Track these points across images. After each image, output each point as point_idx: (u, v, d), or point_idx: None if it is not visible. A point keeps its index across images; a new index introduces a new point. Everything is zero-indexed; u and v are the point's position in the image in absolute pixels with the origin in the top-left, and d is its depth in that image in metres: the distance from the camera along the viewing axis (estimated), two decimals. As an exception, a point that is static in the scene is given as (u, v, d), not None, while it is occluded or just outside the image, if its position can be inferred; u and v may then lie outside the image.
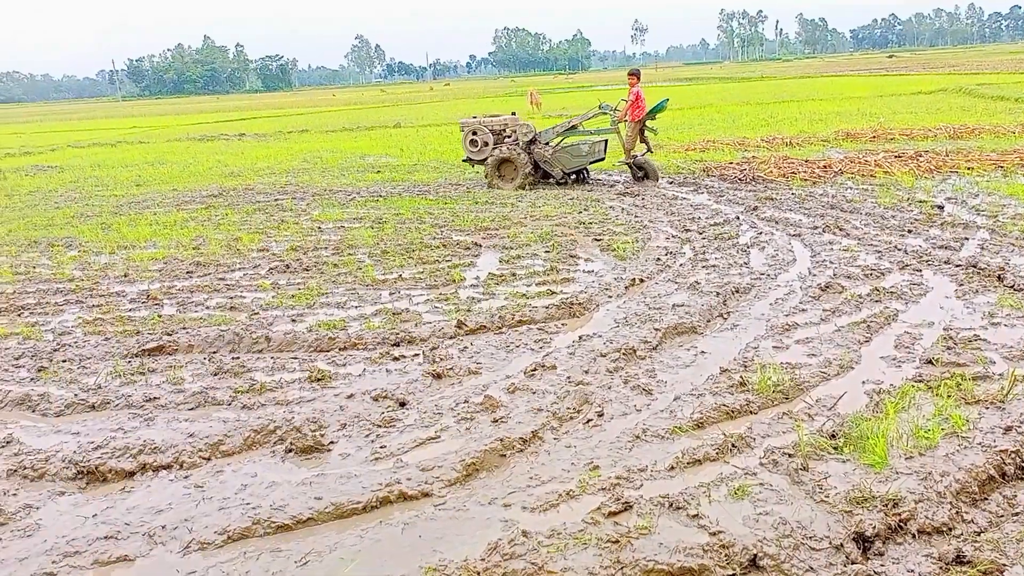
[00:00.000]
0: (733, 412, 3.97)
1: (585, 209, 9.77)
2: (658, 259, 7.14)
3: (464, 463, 3.54)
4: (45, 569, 2.95)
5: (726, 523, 3.03)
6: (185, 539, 3.11)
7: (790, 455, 3.47)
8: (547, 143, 11.76)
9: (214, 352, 5.23)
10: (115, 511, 3.35)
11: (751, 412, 3.99)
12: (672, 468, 3.46)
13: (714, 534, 2.95)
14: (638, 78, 11.69)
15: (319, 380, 4.65)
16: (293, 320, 5.82)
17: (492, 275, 6.79)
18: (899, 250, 6.94)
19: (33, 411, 4.44)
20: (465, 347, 5.08)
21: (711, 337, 5.15)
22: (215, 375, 4.83)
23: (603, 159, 12.18)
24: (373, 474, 3.53)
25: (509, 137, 11.77)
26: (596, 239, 8.09)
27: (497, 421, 3.98)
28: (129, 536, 3.15)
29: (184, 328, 5.69)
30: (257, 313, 6.02)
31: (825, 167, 11.76)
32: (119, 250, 8.63)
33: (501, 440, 3.73)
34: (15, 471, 3.68)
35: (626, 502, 3.17)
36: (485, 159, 11.77)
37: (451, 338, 5.26)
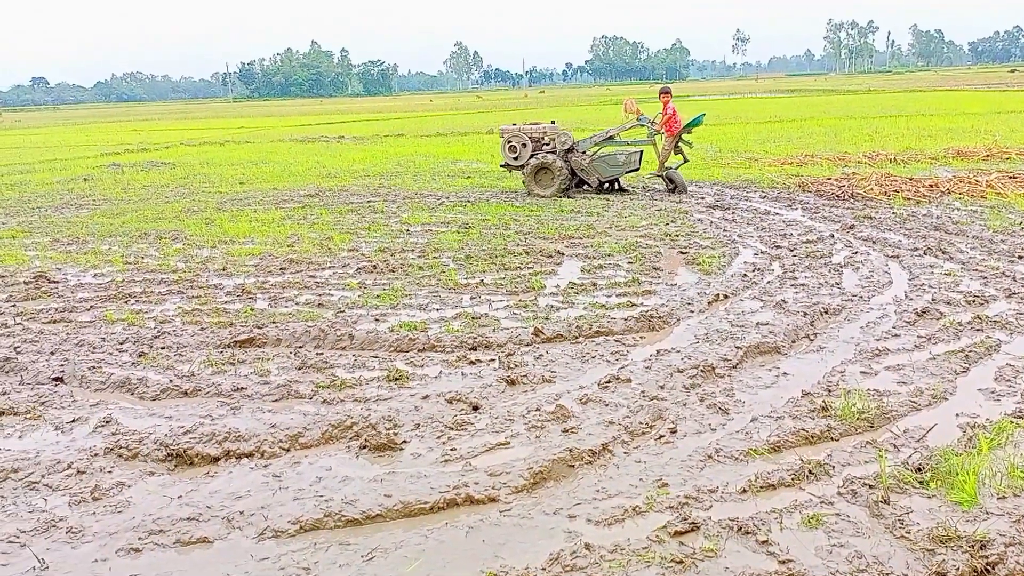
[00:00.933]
0: (813, 437, 3.83)
1: (672, 221, 9.63)
2: (744, 275, 6.96)
3: (532, 471, 3.55)
4: (132, 545, 3.13)
5: (797, 552, 2.92)
6: (261, 526, 3.24)
7: (871, 486, 3.32)
8: (583, 152, 12.09)
9: (300, 347, 5.42)
10: (198, 494, 3.53)
11: (832, 439, 3.84)
12: (744, 491, 3.37)
13: (784, 562, 2.86)
14: (670, 95, 12.11)
15: (397, 380, 4.75)
16: (376, 320, 5.98)
17: (572, 284, 6.78)
18: (1007, 276, 6.54)
19: (132, 394, 4.72)
20: (540, 355, 5.09)
21: (795, 358, 4.98)
22: (299, 369, 5.01)
23: (638, 169, 12.46)
24: (442, 476, 3.58)
25: (547, 145, 12.13)
26: (681, 252, 7.96)
27: (567, 431, 3.98)
28: (210, 519, 3.31)
29: (274, 322, 5.93)
30: (343, 311, 6.21)
31: (931, 186, 11.19)
32: (220, 244, 9.07)
33: (570, 451, 3.72)
34: (112, 449, 3.92)
35: (693, 523, 3.11)
36: (523, 165, 12.13)
37: (527, 345, 5.28)
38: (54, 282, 7.48)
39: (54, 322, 6.24)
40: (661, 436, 3.92)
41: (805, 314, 5.69)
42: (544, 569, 2.86)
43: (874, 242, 8.11)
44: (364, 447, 3.90)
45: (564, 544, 3.02)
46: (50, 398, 4.65)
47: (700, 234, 8.82)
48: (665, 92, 12.23)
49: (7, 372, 5.11)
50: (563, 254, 7.99)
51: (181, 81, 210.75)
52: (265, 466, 3.77)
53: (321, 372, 4.95)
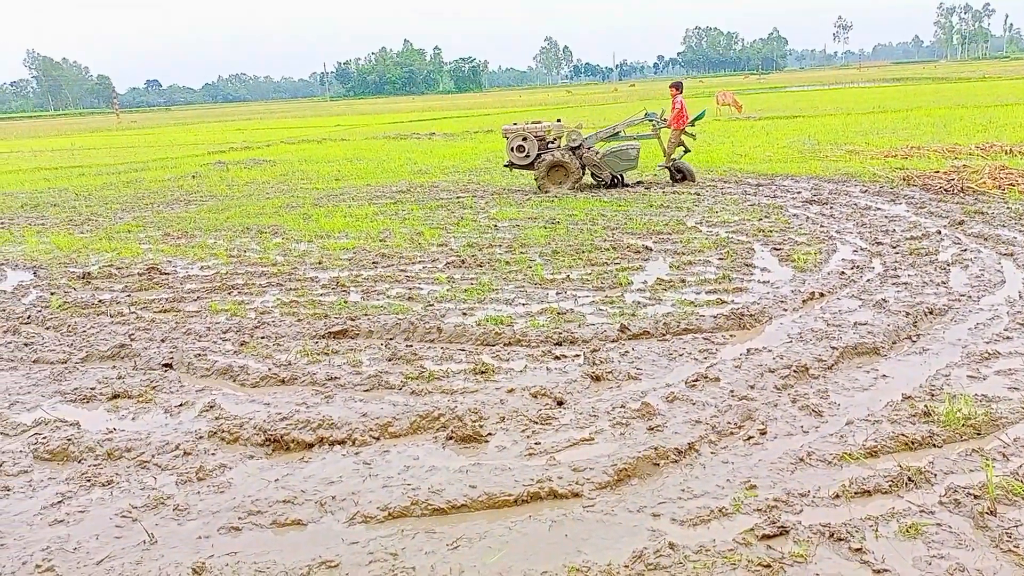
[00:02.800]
0: (913, 443, 3.66)
1: (766, 216, 9.35)
2: (842, 273, 6.70)
3: (616, 468, 3.54)
4: (232, 524, 3.30)
5: (894, 562, 2.81)
6: (351, 511, 3.36)
7: (976, 496, 3.15)
8: (590, 148, 12.18)
9: (390, 339, 5.57)
10: (294, 478, 3.68)
11: (934, 445, 3.65)
12: (837, 496, 3.25)
13: (879, 572, 2.75)
14: (680, 90, 12.43)
15: (483, 373, 4.82)
16: (464, 313, 6.07)
17: (660, 280, 6.69)
18: None
19: (234, 380, 4.96)
20: (626, 352, 5.05)
21: (895, 360, 4.76)
22: (389, 360, 5.15)
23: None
24: (526, 469, 3.61)
25: (553, 143, 12.25)
26: (775, 248, 7.73)
27: (653, 429, 3.94)
28: (304, 502, 3.45)
29: (366, 315, 6.11)
30: (432, 305, 6.34)
31: (1052, 179, 10.44)
32: (316, 239, 9.40)
33: (656, 449, 3.68)
34: (215, 433, 4.14)
35: (782, 526, 3.03)
36: (529, 164, 12.17)
37: (613, 341, 5.25)
38: (165, 274, 7.93)
39: (164, 311, 6.62)
40: (750, 437, 3.83)
41: (907, 314, 5.43)
42: (627, 566, 2.85)
43: (985, 239, 7.65)
44: (450, 438, 3.97)
45: (648, 542, 3.00)
46: (160, 383, 4.94)
47: (795, 230, 8.53)
48: (676, 86, 12.54)
49: (122, 358, 5.47)
50: (651, 250, 7.89)
51: (282, 81, 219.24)
52: (356, 453, 3.90)
53: (410, 364, 5.07)
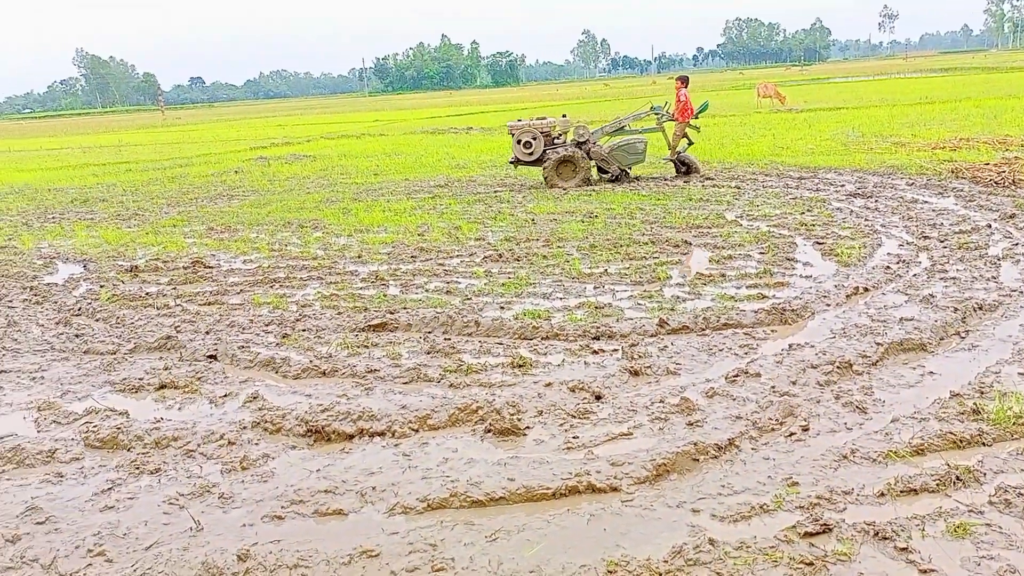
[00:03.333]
0: (961, 442, 3.57)
1: (809, 210, 9.20)
2: (887, 267, 6.56)
3: (655, 463, 3.52)
4: (275, 512, 3.36)
5: (941, 563, 2.75)
6: (391, 502, 3.39)
7: (1028, 497, 3.06)
8: (595, 143, 12.13)
9: (429, 332, 5.61)
10: (335, 468, 3.73)
11: (984, 444, 3.56)
12: (882, 495, 3.19)
13: (925, 572, 2.70)
14: (685, 83, 12.42)
15: (520, 366, 4.83)
16: (501, 307, 6.08)
17: (700, 275, 6.62)
18: None
19: (276, 372, 5.05)
20: (665, 346, 5.02)
21: (943, 357, 4.65)
22: (428, 353, 5.19)
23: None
24: (564, 463, 3.62)
25: (558, 139, 12.23)
26: (818, 242, 7.59)
27: (692, 424, 3.91)
28: (344, 492, 3.50)
29: (405, 308, 6.16)
30: (469, 299, 6.37)
31: (1109, 170, 10.09)
32: (355, 233, 9.50)
33: (695, 444, 3.65)
34: (258, 423, 4.22)
35: (825, 524, 2.98)
36: (536, 161, 12.14)
37: (652, 336, 5.22)
38: (209, 267, 8.09)
39: (209, 304, 6.76)
40: (792, 433, 3.77)
41: (956, 310, 5.30)
42: (666, 561, 2.84)
43: (1039, 233, 7.42)
44: (489, 431, 3.99)
45: (687, 538, 2.98)
46: (205, 374, 5.05)
47: (839, 224, 8.37)
48: (681, 79, 12.58)
49: (169, 349, 5.59)
50: (690, 244, 7.82)
51: (321, 77, 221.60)
52: (396, 445, 3.94)
53: (448, 357, 5.10)
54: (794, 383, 4.32)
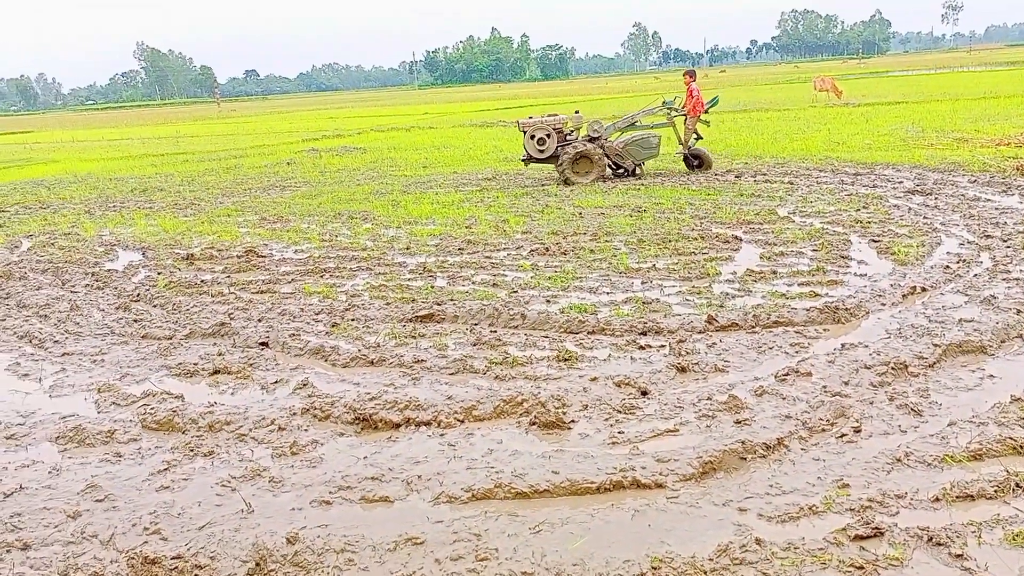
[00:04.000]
0: (1022, 448, 3.45)
1: (864, 207, 8.97)
2: (947, 267, 6.36)
3: (701, 460, 3.48)
4: (323, 497, 3.43)
5: (998, 571, 2.67)
6: (436, 490, 3.43)
7: (1093, 508, 2.95)
8: (606, 138, 12.15)
9: (475, 324, 5.64)
10: (381, 456, 3.79)
11: (1046, 451, 3.44)
12: (937, 500, 3.11)
13: (981, 581, 2.62)
14: (693, 77, 12.57)
15: (566, 360, 4.82)
16: (547, 301, 6.08)
17: (750, 271, 6.52)
18: None
19: (326, 360, 5.13)
20: (713, 343, 4.96)
21: (1004, 360, 4.50)
22: (474, 345, 5.22)
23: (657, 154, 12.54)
24: (609, 457, 3.60)
25: (570, 135, 12.16)
26: (874, 240, 7.40)
27: (740, 423, 3.85)
28: (391, 480, 3.54)
29: (452, 300, 6.20)
30: (516, 291, 6.38)
31: None
32: (404, 225, 9.59)
33: (743, 443, 3.61)
34: (308, 410, 4.30)
35: (877, 528, 2.92)
36: (549, 158, 12.10)
37: (700, 332, 5.16)
38: (261, 256, 8.26)
39: (261, 292, 6.91)
40: (843, 435, 3.70)
41: (1019, 312, 5.12)
42: (711, 560, 2.81)
43: (1110, 233, 7.12)
44: (533, 424, 4.00)
45: (733, 537, 2.94)
46: (257, 360, 5.16)
47: (896, 221, 8.15)
48: (689, 73, 12.73)
49: (223, 335, 5.73)
50: (741, 240, 7.70)
51: (372, 70, 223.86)
52: (441, 435, 3.97)
53: (494, 349, 5.12)
54: (846, 383, 4.23)
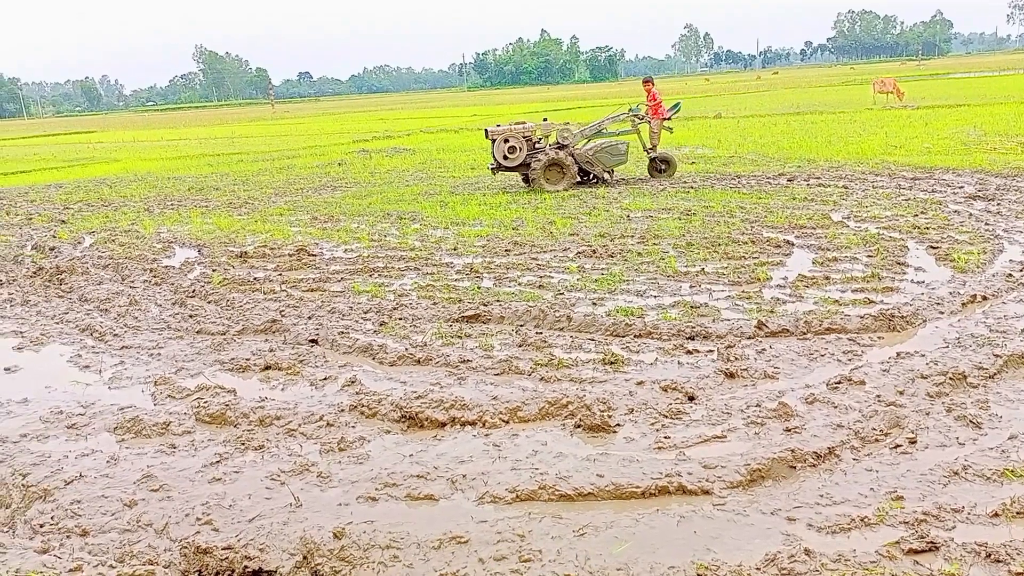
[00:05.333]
0: (1089, 465, 3.32)
1: (922, 212, 8.72)
2: (1010, 275, 6.15)
3: (749, 467, 3.43)
4: (369, 494, 3.47)
5: (1061, 592, 2.56)
6: (480, 490, 3.44)
7: None
8: (574, 145, 12.16)
9: (521, 325, 5.64)
10: (427, 455, 3.82)
11: (1115, 469, 3.30)
12: (996, 515, 3.00)
13: (1043, 601, 2.52)
14: (653, 84, 13.00)
15: (612, 363, 4.80)
16: (594, 303, 6.06)
17: (802, 276, 6.39)
18: None
19: (373, 358, 5.20)
20: (763, 349, 4.87)
21: (1070, 373, 4.32)
22: (520, 346, 5.22)
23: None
24: (654, 462, 3.57)
25: (539, 142, 12.07)
26: (932, 247, 7.19)
27: (790, 431, 3.78)
28: (436, 479, 3.57)
29: (498, 301, 6.22)
30: (562, 293, 6.37)
31: None
32: (452, 226, 9.65)
33: (792, 451, 3.54)
34: (355, 407, 4.36)
35: (932, 542, 2.83)
36: (519, 166, 12.02)
37: (749, 338, 5.08)
38: (312, 255, 8.40)
39: (311, 290, 7.03)
40: (898, 445, 3.60)
41: (1087, 323, 4.92)
42: (759, 569, 2.76)
43: None
44: (578, 426, 3.99)
45: (782, 546, 2.89)
46: (307, 357, 5.25)
47: (956, 227, 7.91)
48: (648, 81, 13.12)
49: (274, 332, 5.85)
50: (793, 244, 7.56)
51: (422, 72, 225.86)
52: (486, 435, 3.99)
53: (540, 351, 5.12)
54: (901, 393, 4.12)
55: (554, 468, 3.58)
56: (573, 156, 12.11)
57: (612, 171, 12.50)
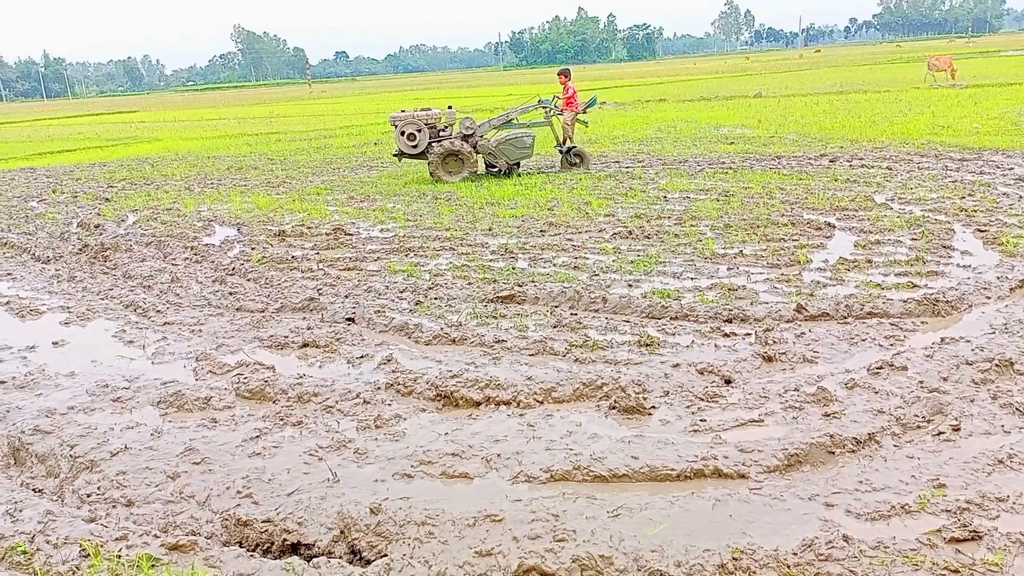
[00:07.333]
0: None
1: (970, 194, 8.49)
2: (1061, 260, 5.96)
3: (786, 452, 3.39)
4: (405, 471, 3.51)
5: (1110, 585, 2.50)
6: (515, 469, 3.46)
7: None
8: (482, 136, 11.93)
9: (556, 306, 5.63)
10: (462, 433, 3.84)
11: None
12: (1042, 506, 2.93)
13: (1090, 594, 2.46)
14: (568, 76, 12.73)
15: (647, 345, 4.77)
16: (629, 285, 6.02)
17: (843, 260, 6.27)
18: None
19: (409, 337, 5.24)
20: (802, 333, 4.80)
21: (1124, 361, 4.19)
22: (554, 327, 5.22)
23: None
24: (690, 445, 3.55)
25: (444, 131, 11.72)
26: (980, 230, 7.00)
27: (829, 415, 3.73)
28: (471, 457, 3.60)
29: (533, 281, 6.21)
30: (597, 275, 6.34)
31: None
32: (487, 206, 9.64)
33: (831, 436, 3.49)
34: (391, 385, 4.40)
35: (975, 531, 2.78)
36: (420, 154, 11.78)
37: (788, 322, 5.01)
38: (349, 234, 8.47)
39: (348, 269, 7.09)
40: (940, 432, 3.53)
41: None
42: (795, 554, 2.74)
43: None
44: (613, 408, 3.98)
45: (819, 532, 2.86)
46: (344, 335, 5.31)
47: (1005, 210, 7.68)
48: (564, 73, 12.85)
49: (312, 310, 5.92)
50: (834, 227, 7.41)
51: (458, 51, 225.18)
52: (521, 415, 4.00)
53: (575, 332, 5.11)
54: (945, 379, 4.03)
55: (588, 449, 3.58)
56: (474, 147, 11.89)
57: (518, 164, 12.22)
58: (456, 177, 11.75)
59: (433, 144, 11.74)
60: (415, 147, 11.74)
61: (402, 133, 11.66)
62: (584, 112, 12.66)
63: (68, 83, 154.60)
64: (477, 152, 11.94)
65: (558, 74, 13.00)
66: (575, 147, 12.49)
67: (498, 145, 11.86)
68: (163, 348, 5.34)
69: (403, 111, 12.16)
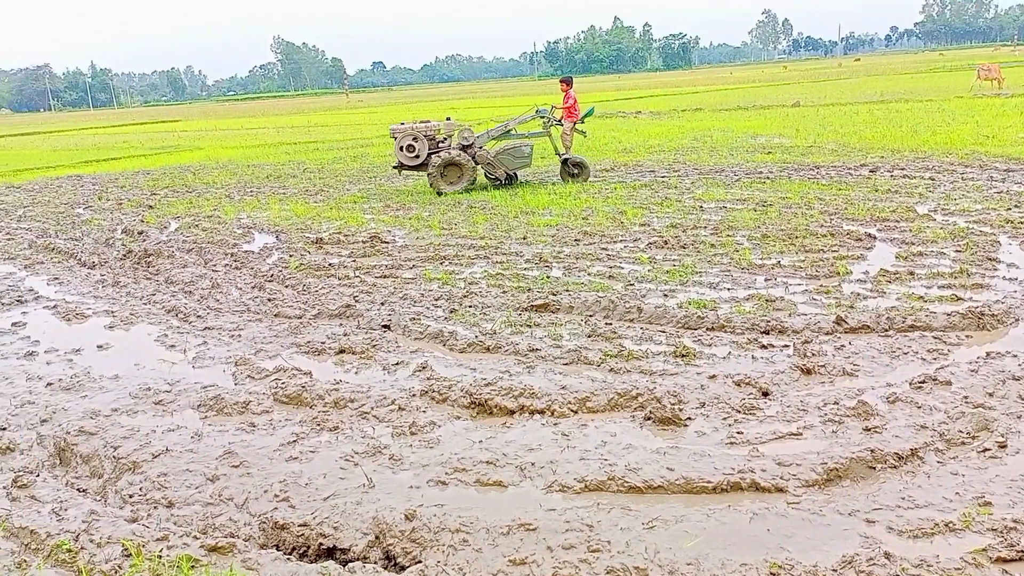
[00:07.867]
0: None
1: (1017, 206, 8.29)
2: (1113, 273, 5.79)
3: (826, 466, 3.34)
4: (440, 478, 3.52)
5: None
6: (549, 479, 3.45)
7: None
8: (481, 147, 11.92)
9: (590, 316, 5.62)
10: (496, 441, 3.85)
11: None
12: (1094, 527, 2.84)
13: None
14: (570, 84, 12.75)
15: (683, 356, 4.73)
16: (665, 295, 5.98)
17: (884, 271, 6.16)
18: None
19: (444, 345, 5.26)
20: (842, 345, 4.72)
21: None
22: (589, 337, 5.20)
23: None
24: (726, 458, 3.51)
25: (443, 142, 11.67)
26: (1026, 242, 6.83)
27: (870, 430, 3.66)
28: (505, 465, 3.60)
29: (567, 290, 6.21)
30: (632, 284, 6.31)
31: None
32: (521, 215, 9.66)
33: (872, 451, 3.43)
34: (426, 392, 4.43)
35: (1023, 551, 2.70)
36: (420, 165, 11.76)
37: (827, 334, 4.93)
38: (385, 242, 8.55)
39: (384, 277, 7.15)
40: (986, 449, 3.44)
41: None
42: (835, 571, 2.69)
43: None
44: (648, 418, 3.95)
45: (860, 548, 2.80)
46: (380, 342, 5.35)
47: (1053, 222, 7.48)
48: (565, 81, 12.86)
49: (348, 317, 5.98)
50: (875, 238, 7.29)
51: (493, 61, 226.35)
52: (555, 424, 3.99)
53: (609, 341, 5.09)
54: (991, 395, 3.94)
55: (623, 459, 3.55)
56: (474, 157, 11.88)
57: (516, 174, 12.20)
58: (455, 187, 11.82)
59: (432, 155, 11.83)
60: (415, 158, 11.84)
61: (401, 146, 11.76)
62: (582, 122, 12.66)
63: (114, 93, 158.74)
64: (476, 163, 12.01)
65: (560, 81, 13.05)
66: (574, 157, 12.43)
67: (497, 155, 11.92)
68: (203, 352, 5.44)
69: (403, 123, 12.31)
